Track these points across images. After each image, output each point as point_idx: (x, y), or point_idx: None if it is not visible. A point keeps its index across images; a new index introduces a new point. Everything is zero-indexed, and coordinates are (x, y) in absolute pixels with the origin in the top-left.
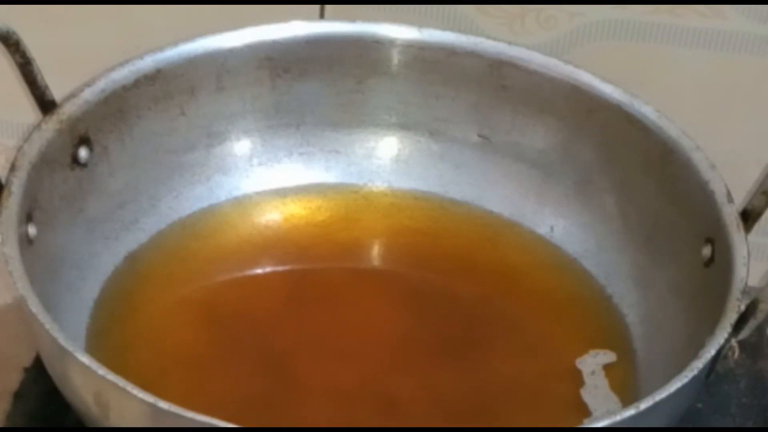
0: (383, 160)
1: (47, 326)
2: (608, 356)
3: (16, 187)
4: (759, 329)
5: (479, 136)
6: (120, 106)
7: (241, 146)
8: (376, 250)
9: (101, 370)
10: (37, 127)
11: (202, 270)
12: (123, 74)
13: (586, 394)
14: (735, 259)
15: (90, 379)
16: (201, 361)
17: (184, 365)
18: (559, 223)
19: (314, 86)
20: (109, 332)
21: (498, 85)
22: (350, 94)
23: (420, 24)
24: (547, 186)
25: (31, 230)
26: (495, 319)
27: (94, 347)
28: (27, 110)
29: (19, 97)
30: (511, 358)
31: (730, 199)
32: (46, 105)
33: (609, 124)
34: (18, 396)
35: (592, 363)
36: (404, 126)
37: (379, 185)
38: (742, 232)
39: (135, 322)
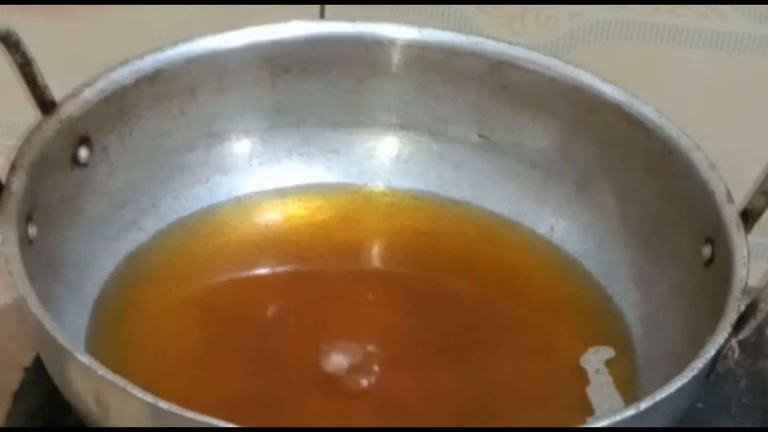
0: (383, 160)
1: (47, 326)
2: (608, 352)
3: (16, 187)
4: (759, 329)
5: (479, 136)
6: (120, 106)
7: (241, 146)
8: (376, 250)
9: (101, 370)
10: (37, 127)
11: (202, 270)
12: (123, 74)
13: (592, 393)
14: (735, 259)
15: (90, 379)
16: (201, 361)
17: (184, 365)
18: (559, 223)
19: (314, 86)
20: (109, 332)
21: (498, 85)
22: (350, 94)
23: (420, 24)
24: (547, 186)
25: (31, 230)
26: (495, 319)
27: (94, 347)
28: (27, 110)
29: (19, 97)
30: (511, 358)
31: (730, 199)
32: (46, 105)
33: (609, 124)
34: (18, 396)
35: (595, 360)
36: (404, 126)
37: (379, 185)
38: (742, 232)
39: (135, 322)
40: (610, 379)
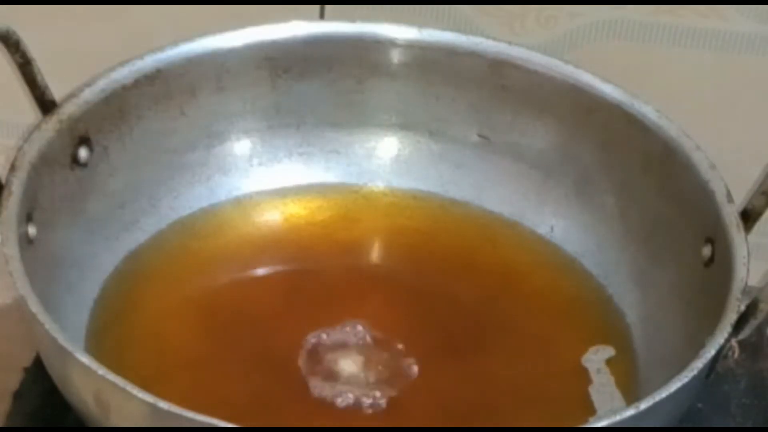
0: (383, 160)
1: (47, 326)
2: (608, 351)
3: (16, 187)
4: (759, 329)
5: (479, 136)
6: (120, 106)
7: (241, 146)
8: (376, 250)
9: (101, 370)
10: (37, 127)
11: (202, 270)
12: (123, 74)
13: (594, 393)
14: (735, 259)
15: (90, 379)
16: (201, 361)
17: (184, 365)
18: (559, 223)
19: (314, 86)
20: (109, 332)
21: (498, 85)
22: (350, 94)
23: (420, 24)
24: (547, 186)
25: (31, 230)
26: (494, 319)
27: (94, 347)
28: (27, 110)
29: (19, 97)
30: (511, 358)
31: (730, 199)
32: (46, 105)
33: (609, 124)
34: (18, 396)
35: (596, 360)
36: (404, 126)
37: (379, 185)
38: (742, 232)
39: (135, 322)
40: (611, 379)
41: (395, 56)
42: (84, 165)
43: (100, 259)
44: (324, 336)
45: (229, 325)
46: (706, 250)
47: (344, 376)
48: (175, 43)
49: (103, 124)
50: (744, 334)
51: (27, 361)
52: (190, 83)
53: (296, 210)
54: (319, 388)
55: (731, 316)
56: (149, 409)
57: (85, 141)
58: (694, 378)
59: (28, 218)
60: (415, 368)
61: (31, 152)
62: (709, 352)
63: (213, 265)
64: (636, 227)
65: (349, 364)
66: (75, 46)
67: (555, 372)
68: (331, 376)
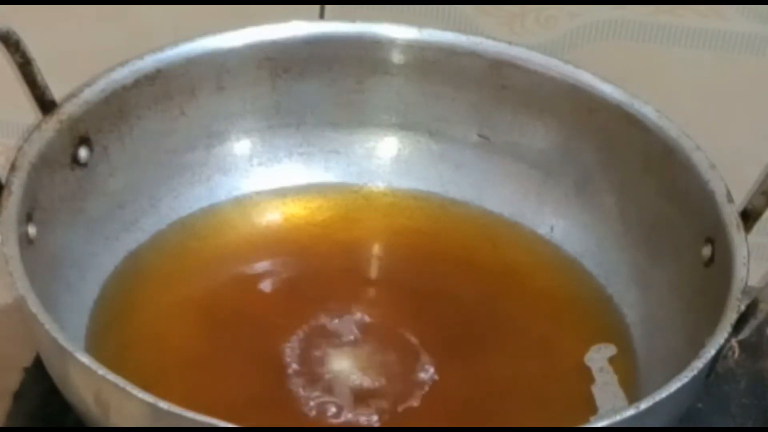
0: (383, 160)
1: (47, 326)
2: (610, 349)
3: (16, 187)
4: (759, 329)
5: (479, 136)
6: (120, 106)
7: (241, 146)
8: (376, 250)
9: (101, 370)
10: (37, 127)
11: (202, 270)
12: (123, 74)
13: (597, 391)
14: (735, 259)
15: (90, 379)
16: (201, 361)
17: (184, 365)
18: (559, 223)
19: (314, 86)
20: (109, 332)
21: (498, 85)
22: (350, 94)
23: (420, 24)
24: (547, 186)
25: (31, 230)
26: (494, 319)
27: (94, 347)
28: (27, 110)
29: (19, 97)
30: (511, 358)
31: (730, 199)
32: (46, 105)
33: (609, 124)
34: (18, 396)
35: (599, 359)
36: (404, 126)
37: (379, 185)
38: (742, 232)
39: (135, 322)
40: (614, 378)
41: (395, 56)
42: (84, 165)
43: (100, 259)
44: (321, 333)
45: (229, 324)
46: (706, 250)
47: (347, 385)
48: (175, 43)
49: (103, 124)
50: (744, 334)
51: (27, 361)
52: (190, 83)
53: (296, 210)
54: (313, 400)
55: (731, 316)
56: (149, 409)
57: (85, 141)
58: (694, 378)
59: (28, 218)
60: (432, 370)
61: (31, 152)
62: (709, 352)
63: (213, 265)
64: (636, 227)
65: (349, 368)
66: (75, 46)
67: (556, 372)
68: (330, 387)
